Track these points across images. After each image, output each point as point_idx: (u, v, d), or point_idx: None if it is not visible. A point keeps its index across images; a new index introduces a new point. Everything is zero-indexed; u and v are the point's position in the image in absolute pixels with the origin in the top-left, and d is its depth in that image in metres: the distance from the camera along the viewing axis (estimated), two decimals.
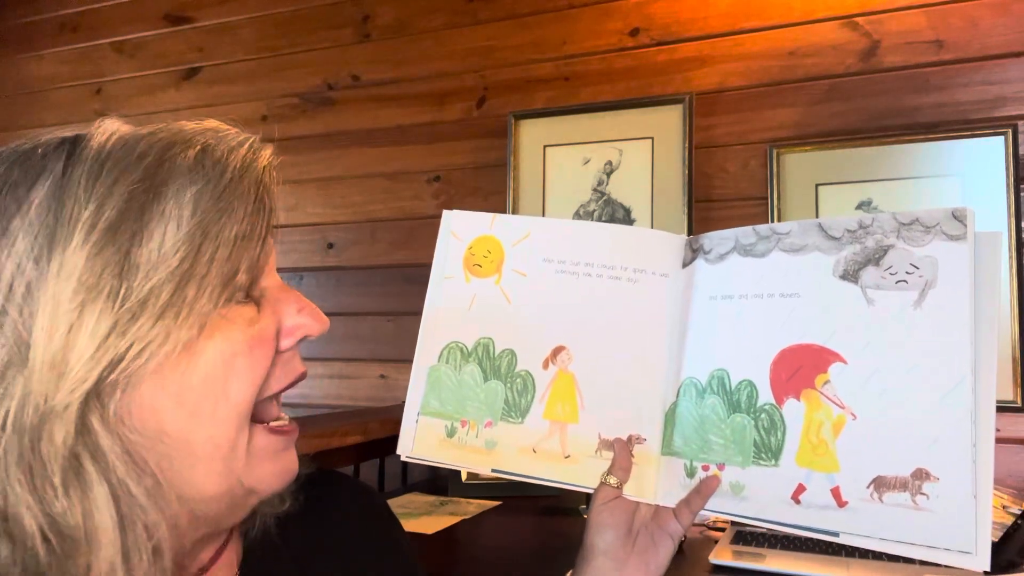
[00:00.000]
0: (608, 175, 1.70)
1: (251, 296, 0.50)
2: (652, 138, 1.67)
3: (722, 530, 1.20)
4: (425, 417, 0.75)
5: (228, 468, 0.49)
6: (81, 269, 0.43)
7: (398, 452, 0.75)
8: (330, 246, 2.00)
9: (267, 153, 0.52)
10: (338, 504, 0.67)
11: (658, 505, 0.71)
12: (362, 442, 1.43)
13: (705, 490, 0.67)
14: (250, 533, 0.58)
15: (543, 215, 1.75)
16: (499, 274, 0.77)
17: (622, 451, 0.71)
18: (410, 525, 1.28)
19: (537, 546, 1.23)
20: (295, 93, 2.07)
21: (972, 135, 1.44)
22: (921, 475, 0.59)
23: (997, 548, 1.05)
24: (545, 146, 1.77)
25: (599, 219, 1.70)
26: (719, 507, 0.67)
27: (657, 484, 0.71)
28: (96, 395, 0.44)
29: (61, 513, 0.42)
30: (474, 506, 1.42)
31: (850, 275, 0.65)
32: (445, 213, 0.79)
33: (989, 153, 1.43)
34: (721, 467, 0.68)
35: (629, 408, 0.73)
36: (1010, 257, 1.40)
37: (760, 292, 0.69)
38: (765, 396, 0.66)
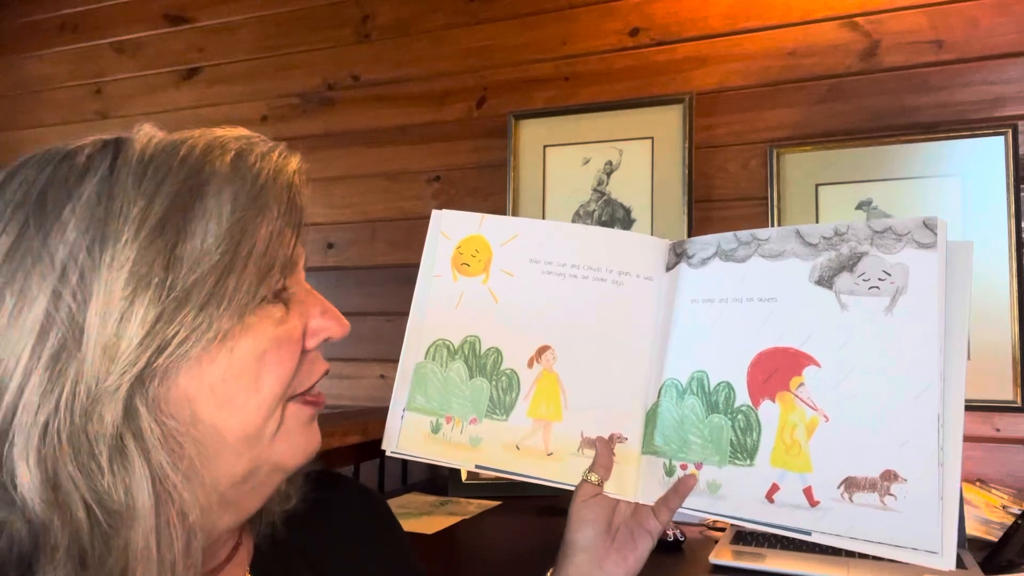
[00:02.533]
0: (608, 175, 1.70)
1: (280, 297, 0.53)
2: (652, 138, 1.67)
3: (722, 530, 1.20)
4: (410, 413, 0.76)
5: (255, 451, 0.51)
6: (132, 261, 0.46)
7: (383, 447, 0.76)
8: (330, 246, 2.00)
9: (296, 159, 0.55)
10: (341, 505, 0.69)
11: (638, 502, 0.72)
12: (362, 442, 1.43)
13: (682, 489, 0.69)
14: (260, 531, 0.60)
15: (543, 215, 1.75)
16: (487, 274, 0.78)
17: (604, 450, 0.72)
18: (410, 525, 1.28)
19: (537, 546, 1.23)
20: (295, 93, 2.07)
21: (972, 135, 1.44)
22: (889, 476, 0.60)
23: (997, 548, 1.05)
24: (545, 146, 1.77)
25: (599, 219, 1.70)
26: (696, 505, 0.69)
27: (637, 482, 0.72)
28: (141, 380, 0.46)
29: (106, 490, 0.45)
30: (474, 506, 1.42)
31: (825, 281, 0.66)
32: (435, 212, 0.80)
33: (989, 153, 1.43)
34: (699, 466, 0.69)
35: (611, 407, 0.74)
36: (1010, 257, 1.40)
37: (740, 296, 0.70)
38: (742, 397, 0.68)
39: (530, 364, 0.75)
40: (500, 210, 1.78)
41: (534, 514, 1.37)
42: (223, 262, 0.48)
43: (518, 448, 0.74)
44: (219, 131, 0.54)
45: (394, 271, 1.92)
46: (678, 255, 0.75)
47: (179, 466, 0.47)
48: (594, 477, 0.71)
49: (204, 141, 0.51)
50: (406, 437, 0.75)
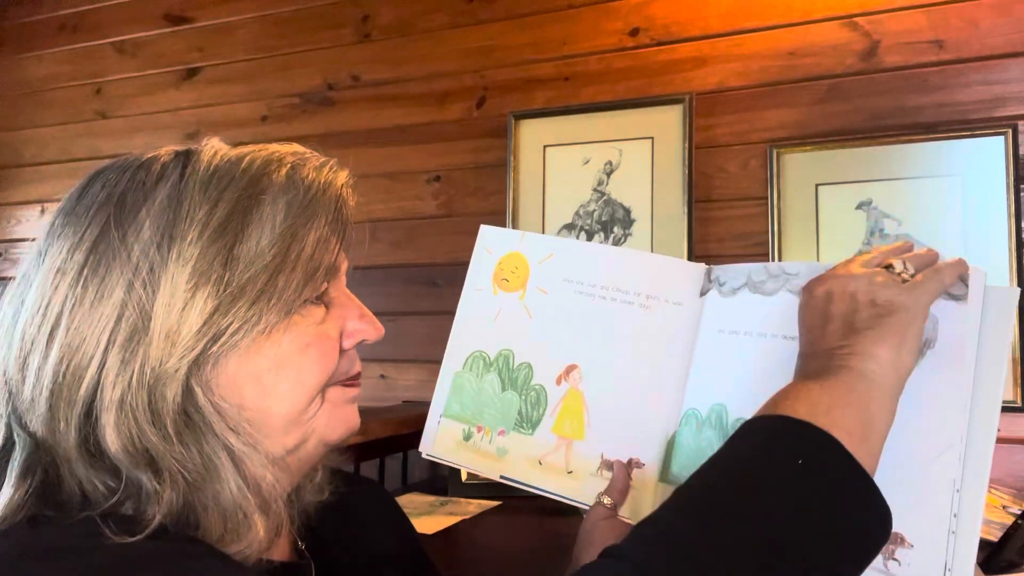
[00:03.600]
0: (608, 175, 1.70)
1: (322, 300, 0.59)
2: (652, 138, 1.67)
3: None
4: (446, 419, 0.79)
5: (300, 430, 0.57)
6: (196, 258, 0.52)
7: (420, 449, 0.79)
8: None
9: (344, 174, 0.60)
10: (360, 498, 0.75)
11: None
12: (362, 442, 1.43)
13: None
14: (296, 518, 0.64)
15: (543, 215, 1.75)
16: (524, 290, 0.80)
17: (620, 473, 0.73)
18: None
19: (537, 546, 1.23)
20: (295, 93, 2.07)
21: (972, 135, 1.44)
22: (896, 539, 0.57)
23: (997, 548, 1.05)
24: (545, 146, 1.76)
25: (599, 219, 1.70)
26: None
27: (652, 510, 0.71)
28: (197, 364, 0.52)
29: (180, 457, 0.51)
30: (474, 506, 1.42)
31: None
32: (482, 228, 0.84)
33: (989, 153, 1.43)
34: None
35: (632, 432, 0.74)
36: (1010, 257, 1.40)
37: (764, 331, 0.68)
38: None
39: (558, 381, 0.76)
40: (500, 210, 1.78)
41: (534, 514, 1.37)
42: (275, 263, 0.54)
43: (540, 463, 0.76)
44: (277, 146, 0.59)
45: (394, 271, 1.92)
46: (711, 281, 0.74)
47: (241, 439, 0.53)
48: (607, 500, 0.72)
49: (263, 155, 0.57)
50: (440, 442, 0.78)
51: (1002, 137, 1.42)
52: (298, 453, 0.58)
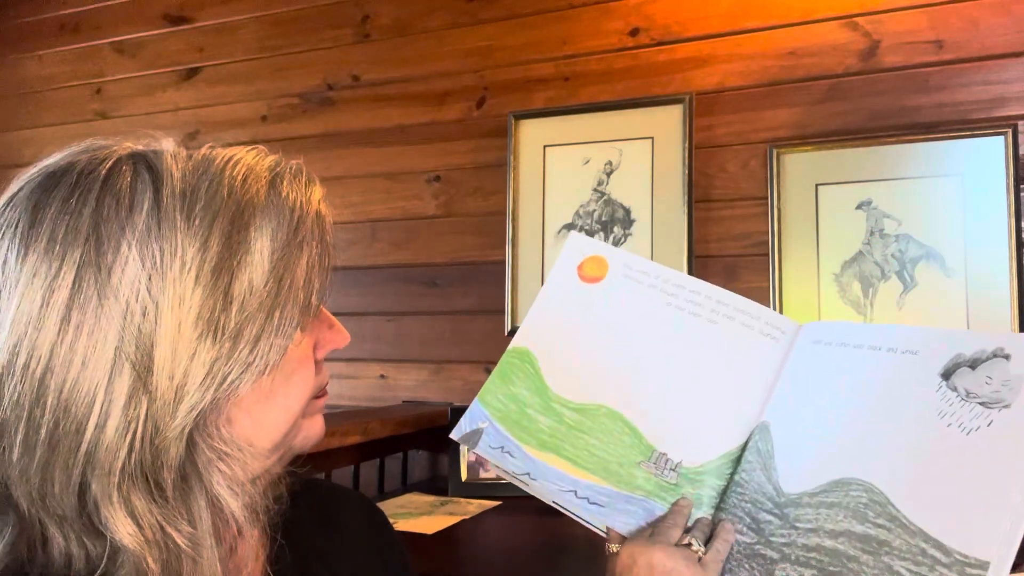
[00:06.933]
0: (608, 175, 1.70)
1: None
2: (652, 138, 1.67)
3: None
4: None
5: (280, 451, 0.57)
6: (199, 305, 0.48)
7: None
8: None
9: (319, 188, 0.57)
10: (342, 509, 0.73)
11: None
12: (362, 442, 1.43)
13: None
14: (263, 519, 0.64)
15: (543, 215, 1.75)
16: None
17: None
18: (410, 525, 1.28)
19: (537, 546, 1.23)
20: (295, 93, 2.07)
21: (972, 135, 1.44)
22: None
23: None
24: (545, 146, 1.76)
25: (599, 219, 1.69)
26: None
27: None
28: (201, 415, 0.49)
29: (174, 517, 0.48)
30: (474, 506, 1.42)
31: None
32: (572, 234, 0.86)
33: (989, 153, 1.43)
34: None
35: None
36: (1010, 257, 1.40)
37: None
38: None
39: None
40: (500, 210, 1.78)
41: (534, 514, 1.37)
42: (269, 300, 0.50)
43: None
44: (244, 155, 0.54)
45: (394, 271, 1.92)
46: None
47: (226, 483, 0.51)
48: (614, 547, 0.75)
49: (241, 172, 0.52)
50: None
51: (1002, 137, 1.41)
52: (272, 470, 0.58)
